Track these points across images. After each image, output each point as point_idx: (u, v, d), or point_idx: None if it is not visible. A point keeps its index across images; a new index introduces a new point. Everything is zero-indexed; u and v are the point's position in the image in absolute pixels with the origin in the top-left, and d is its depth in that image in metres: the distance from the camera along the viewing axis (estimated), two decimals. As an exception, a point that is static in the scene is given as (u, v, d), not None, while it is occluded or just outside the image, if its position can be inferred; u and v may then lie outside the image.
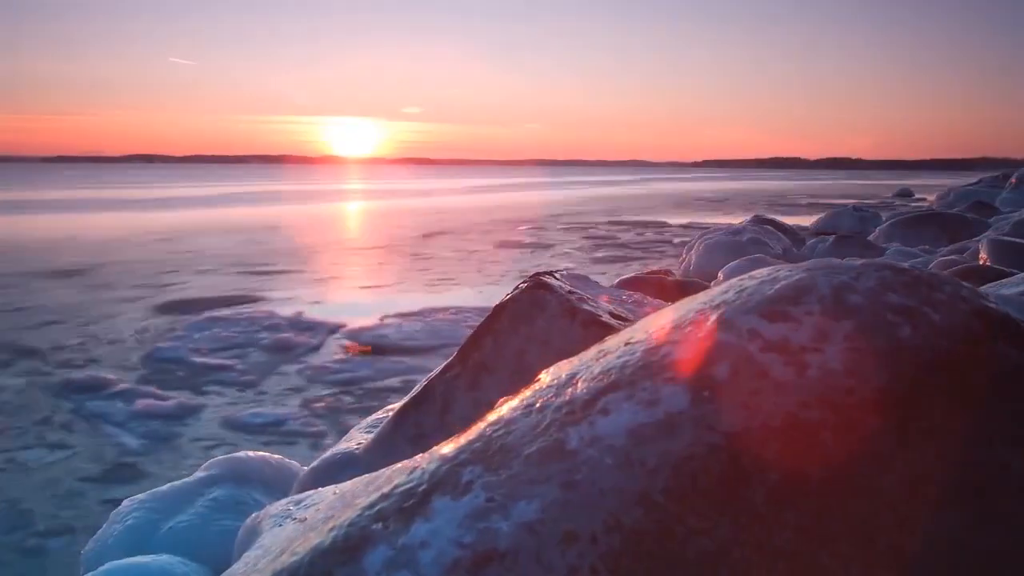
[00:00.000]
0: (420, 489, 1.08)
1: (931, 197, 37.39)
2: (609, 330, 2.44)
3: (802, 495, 1.01)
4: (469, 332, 2.85)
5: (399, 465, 1.90)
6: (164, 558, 3.74)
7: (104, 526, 4.36)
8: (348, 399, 7.07)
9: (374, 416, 3.17)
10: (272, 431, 6.24)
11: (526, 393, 1.28)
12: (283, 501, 2.04)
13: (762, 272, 1.38)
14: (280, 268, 15.13)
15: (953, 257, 10.57)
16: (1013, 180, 27.14)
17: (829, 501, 1.01)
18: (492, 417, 1.29)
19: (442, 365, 3.26)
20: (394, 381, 7.41)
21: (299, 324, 9.65)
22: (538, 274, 2.77)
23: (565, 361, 1.40)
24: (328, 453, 2.85)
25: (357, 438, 2.88)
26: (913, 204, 35.47)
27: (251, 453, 4.76)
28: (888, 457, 1.01)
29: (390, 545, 1.01)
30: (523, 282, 2.69)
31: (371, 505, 1.10)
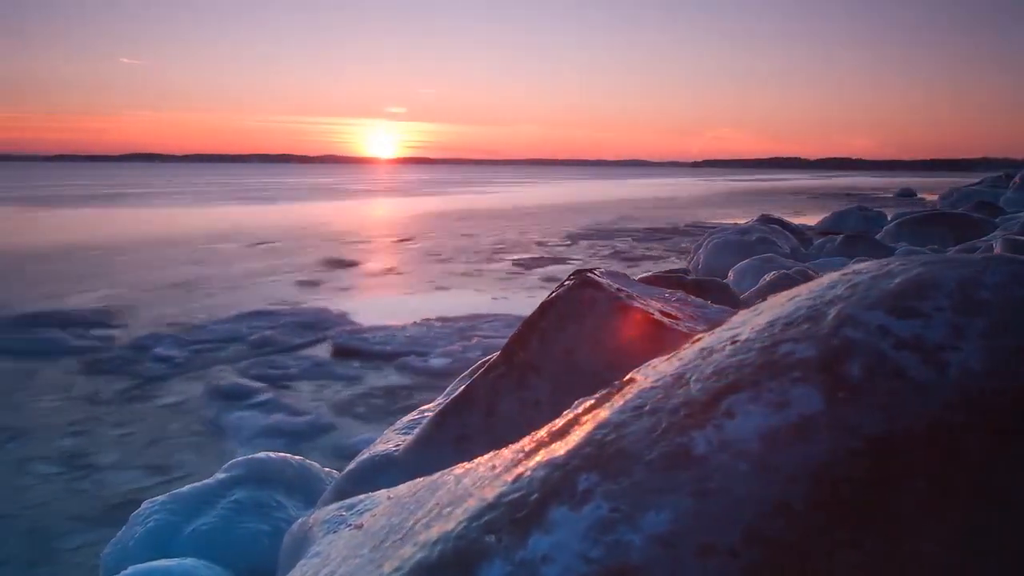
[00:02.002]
0: (532, 498, 1.00)
1: (933, 197, 37.39)
2: (664, 329, 2.37)
3: (951, 506, 0.94)
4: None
5: (458, 470, 1.82)
6: (188, 562, 3.65)
7: (123, 528, 4.27)
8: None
9: (409, 417, 3.09)
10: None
11: (627, 394, 1.20)
12: (333, 506, 1.96)
13: (867, 266, 1.30)
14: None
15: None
16: (1017, 180, 27.12)
17: (979, 513, 0.93)
18: (585, 419, 1.21)
19: (482, 364, 3.19)
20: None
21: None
22: (580, 271, 2.70)
23: (658, 360, 1.32)
24: (365, 455, 2.77)
25: (394, 439, 2.80)
26: (916, 204, 35.48)
27: (272, 454, 4.67)
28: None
29: (507, 560, 0.93)
30: (568, 280, 2.62)
31: (476, 515, 1.02)
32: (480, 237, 21.20)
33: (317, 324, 9.44)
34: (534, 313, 2.59)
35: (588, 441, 1.07)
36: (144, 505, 4.29)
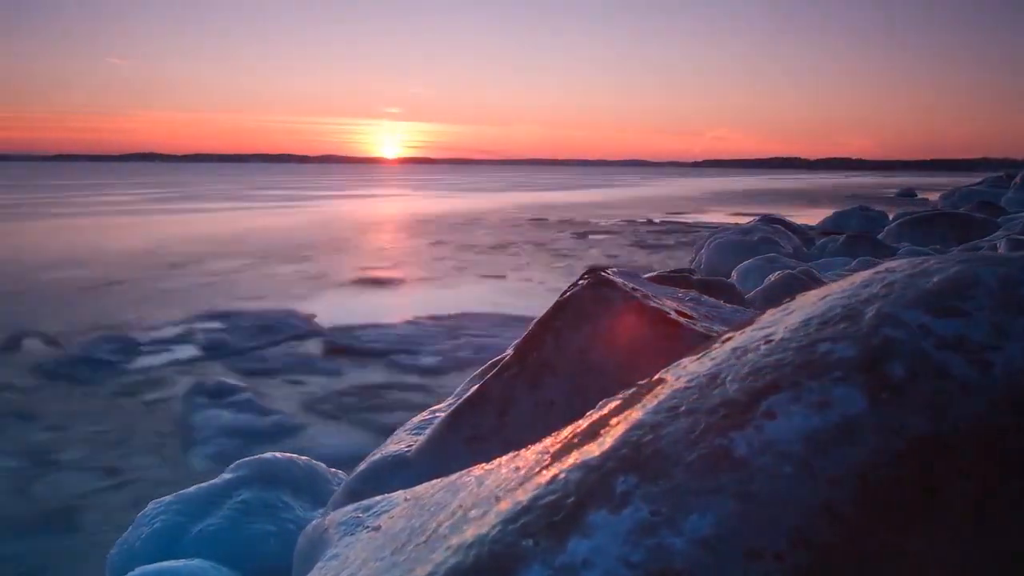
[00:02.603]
0: (568, 501, 0.98)
1: (934, 197, 37.39)
2: (681, 328, 2.34)
3: (999, 508, 0.91)
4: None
5: (477, 471, 1.80)
6: (196, 562, 3.63)
7: (129, 529, 4.24)
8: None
9: (420, 417, 3.06)
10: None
11: (659, 394, 1.18)
12: (349, 507, 1.94)
13: (900, 264, 1.28)
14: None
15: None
16: (1018, 180, 27.10)
17: (1028, 515, 0.91)
18: (616, 420, 1.18)
19: (493, 364, 3.16)
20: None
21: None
22: (594, 270, 2.67)
23: (687, 360, 1.30)
24: (377, 455, 2.75)
25: (406, 440, 2.78)
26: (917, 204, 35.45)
27: (278, 454, 4.64)
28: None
29: (546, 564, 0.90)
30: (581, 279, 2.59)
31: (511, 518, 1.00)
32: (483, 236, 21.21)
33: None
34: (548, 312, 2.57)
35: (623, 442, 1.05)
36: (150, 506, 4.26)
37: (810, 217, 24.10)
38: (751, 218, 19.23)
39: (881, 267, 1.30)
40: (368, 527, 1.75)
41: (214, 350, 8.38)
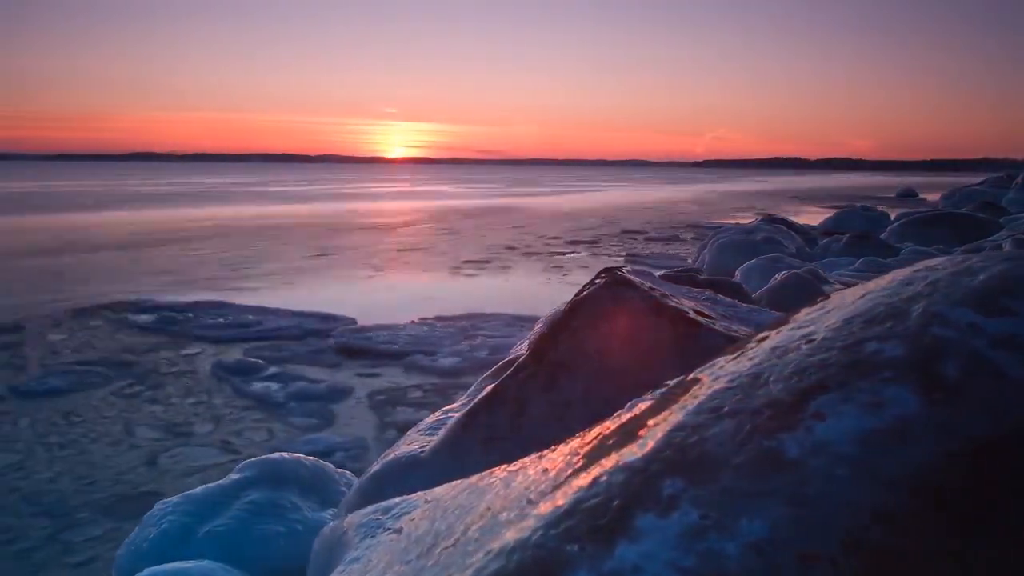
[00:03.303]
0: (613, 504, 0.95)
1: (934, 197, 37.36)
2: (700, 328, 2.32)
3: (1059, 512, 0.89)
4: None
5: (500, 473, 1.77)
6: (205, 563, 3.59)
7: (136, 530, 4.20)
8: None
9: (432, 417, 3.03)
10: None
11: (698, 394, 1.15)
12: (368, 509, 1.91)
13: (940, 262, 1.25)
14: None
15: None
16: (1019, 180, 27.08)
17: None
18: (653, 421, 1.16)
19: (506, 364, 3.14)
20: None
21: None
22: (610, 269, 2.64)
23: (723, 360, 1.27)
24: (390, 456, 2.71)
25: (419, 440, 2.75)
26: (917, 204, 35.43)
27: (285, 454, 4.60)
28: None
29: (593, 570, 0.88)
30: (597, 278, 2.56)
31: (553, 522, 0.97)
32: (485, 236, 21.19)
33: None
34: (563, 312, 2.54)
35: (666, 444, 1.02)
36: (157, 506, 4.23)
37: (811, 217, 24.08)
38: (754, 218, 19.21)
39: (920, 265, 1.27)
40: (389, 529, 1.72)
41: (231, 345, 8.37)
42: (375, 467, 2.70)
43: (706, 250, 15.79)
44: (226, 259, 16.30)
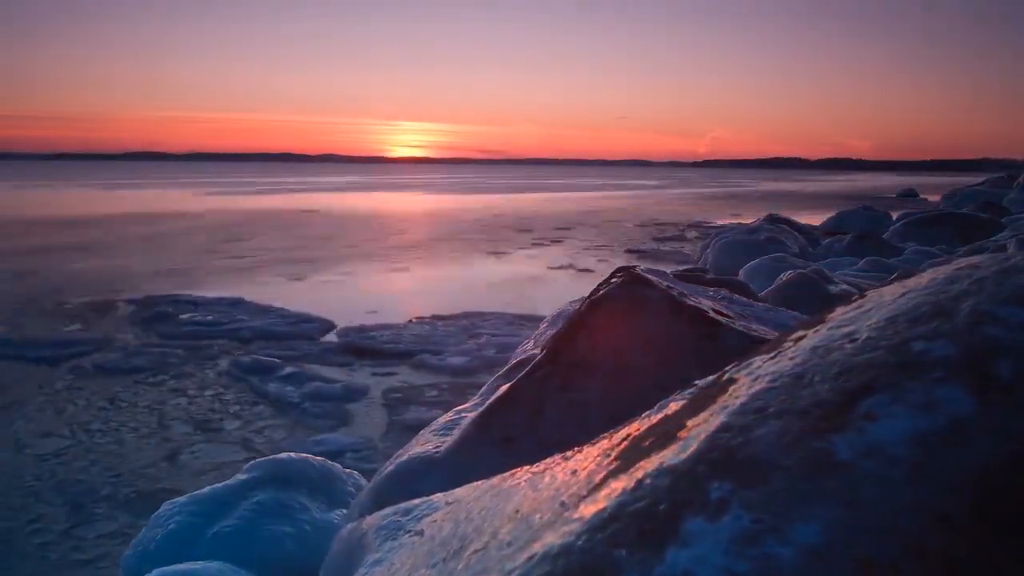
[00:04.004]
0: (660, 508, 0.92)
1: (935, 197, 37.35)
2: (721, 327, 2.29)
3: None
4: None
5: (523, 474, 1.74)
6: (214, 565, 3.57)
7: (143, 530, 4.17)
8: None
9: (445, 418, 3.01)
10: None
11: (737, 394, 1.12)
12: (387, 511, 1.88)
13: (983, 259, 1.23)
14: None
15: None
16: (1021, 180, 27.06)
17: None
18: (693, 421, 1.13)
19: (519, 363, 3.11)
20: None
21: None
22: (626, 268, 2.61)
23: (759, 359, 1.25)
24: (404, 456, 2.69)
25: (433, 441, 2.72)
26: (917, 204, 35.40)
27: (293, 454, 4.58)
28: None
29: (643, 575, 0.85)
30: (615, 277, 2.53)
31: (597, 526, 0.95)
32: (477, 230, 21.18)
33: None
34: (581, 311, 2.51)
35: (711, 446, 0.99)
36: (164, 507, 4.20)
37: (812, 217, 24.07)
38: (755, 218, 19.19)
39: (962, 263, 1.25)
40: (410, 531, 1.70)
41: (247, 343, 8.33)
42: (389, 467, 2.68)
43: (709, 250, 15.76)
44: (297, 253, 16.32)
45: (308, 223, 24.88)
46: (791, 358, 1.15)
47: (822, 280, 7.82)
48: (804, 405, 1.00)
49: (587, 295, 2.69)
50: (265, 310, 9.91)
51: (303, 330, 8.96)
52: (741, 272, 11.65)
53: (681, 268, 10.20)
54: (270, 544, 3.84)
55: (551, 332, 5.83)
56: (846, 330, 1.17)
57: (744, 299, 2.90)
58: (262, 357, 7.74)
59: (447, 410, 3.16)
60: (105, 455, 5.75)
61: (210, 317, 9.61)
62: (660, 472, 0.99)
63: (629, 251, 18.23)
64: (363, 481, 4.44)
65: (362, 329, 8.92)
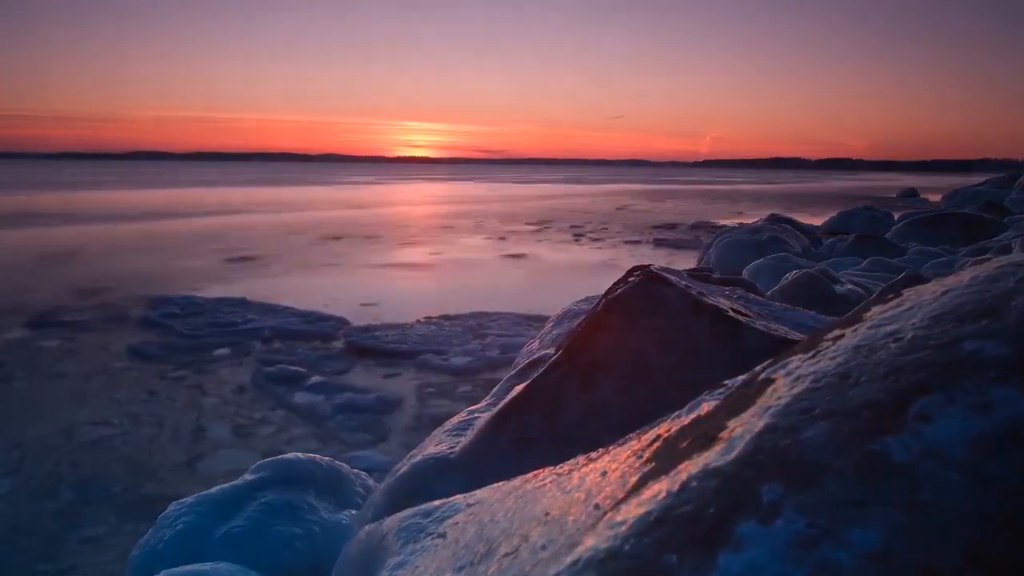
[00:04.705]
0: (709, 511, 0.90)
1: (936, 198, 37.34)
2: (741, 327, 2.27)
3: None
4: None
5: (547, 475, 1.72)
6: (223, 566, 3.54)
7: (150, 531, 4.14)
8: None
9: (458, 418, 2.98)
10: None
11: (779, 394, 1.10)
12: (407, 512, 1.86)
13: (1014, 258, 1.20)
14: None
15: (988, 257, 10.41)
16: (1022, 180, 27.08)
17: None
18: (733, 422, 1.11)
19: (532, 363, 3.09)
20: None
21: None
22: (642, 267, 2.59)
23: (797, 359, 1.22)
24: (418, 457, 2.66)
25: (446, 441, 2.69)
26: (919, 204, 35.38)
27: (300, 454, 4.55)
28: None
29: (696, 581, 0.83)
30: (632, 276, 2.50)
31: (643, 530, 0.92)
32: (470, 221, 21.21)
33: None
34: (598, 310, 2.48)
35: (757, 448, 0.97)
36: (171, 507, 4.17)
37: (814, 217, 24.05)
38: (759, 218, 19.17)
39: (1003, 261, 1.22)
40: (432, 534, 1.67)
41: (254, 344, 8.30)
42: (403, 468, 2.65)
43: (711, 249, 15.73)
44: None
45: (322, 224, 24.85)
46: (832, 358, 1.13)
47: (828, 280, 7.80)
48: (853, 406, 0.98)
49: (602, 294, 2.67)
50: (285, 309, 9.90)
51: (320, 328, 8.95)
52: (744, 272, 11.62)
53: (686, 268, 10.18)
54: (280, 545, 3.81)
55: (557, 332, 5.80)
56: (888, 329, 1.14)
57: (760, 298, 2.88)
58: (276, 357, 7.74)
59: (457, 410, 3.13)
60: (121, 452, 5.74)
61: (223, 316, 9.61)
62: (706, 474, 0.97)
63: (630, 251, 18.22)
64: (371, 482, 4.41)
65: (368, 329, 8.91)
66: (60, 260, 15.75)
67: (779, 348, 2.10)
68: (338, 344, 8.49)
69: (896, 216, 20.41)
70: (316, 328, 9.00)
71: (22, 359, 7.97)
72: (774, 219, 17.50)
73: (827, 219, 22.06)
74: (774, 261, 11.68)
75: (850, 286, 7.94)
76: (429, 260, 16.56)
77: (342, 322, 9.37)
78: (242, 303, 10.42)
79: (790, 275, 8.09)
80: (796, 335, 2.28)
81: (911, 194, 46.91)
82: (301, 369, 7.41)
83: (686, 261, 15.95)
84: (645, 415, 2.02)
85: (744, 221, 20.82)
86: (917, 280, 6.41)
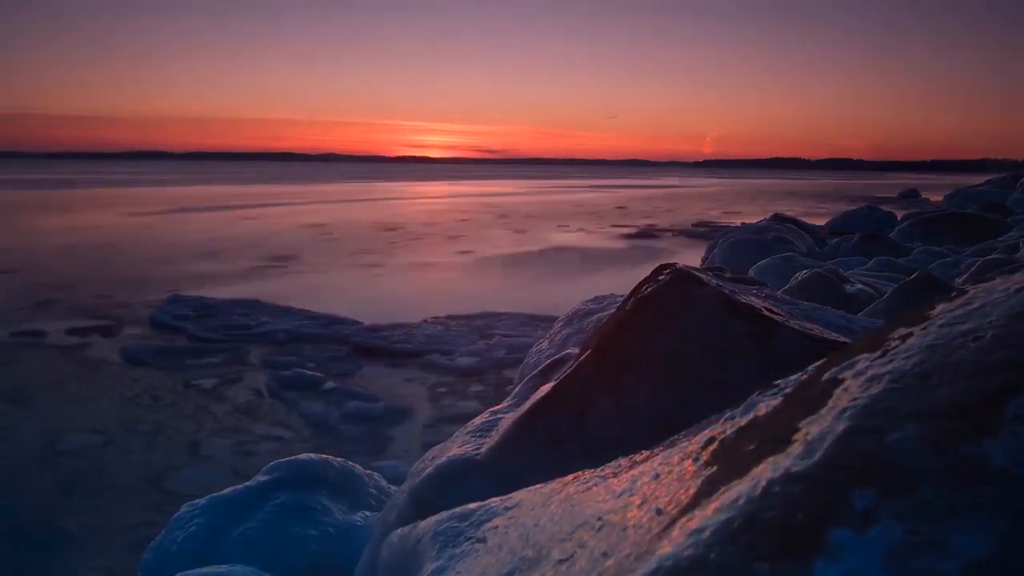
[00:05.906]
0: (798, 518, 0.86)
1: (937, 198, 37.30)
2: (776, 327, 2.22)
3: None
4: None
5: (589, 477, 1.68)
6: (238, 568, 3.49)
7: (163, 532, 4.10)
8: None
9: (481, 418, 2.94)
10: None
11: (852, 395, 1.06)
12: (443, 516, 1.81)
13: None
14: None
15: (998, 256, 10.36)
16: (1024, 180, 27.00)
17: None
18: (805, 423, 1.07)
19: (554, 362, 3.05)
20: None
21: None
22: (670, 265, 2.54)
23: (864, 358, 1.18)
24: (442, 458, 2.61)
25: (470, 442, 2.65)
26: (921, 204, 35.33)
27: (313, 455, 4.50)
28: None
29: (791, 591, 0.79)
30: (662, 275, 2.46)
31: (726, 537, 0.88)
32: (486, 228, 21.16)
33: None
34: (628, 310, 2.44)
35: (841, 451, 0.93)
36: (184, 508, 4.12)
37: (814, 217, 24.04)
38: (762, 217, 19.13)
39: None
40: (471, 538, 1.63)
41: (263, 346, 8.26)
42: (427, 469, 2.60)
43: (716, 249, 15.69)
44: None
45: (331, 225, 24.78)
46: (907, 357, 1.09)
47: (838, 280, 7.76)
48: (940, 407, 0.93)
49: (629, 293, 2.62)
50: (300, 312, 9.86)
51: (332, 332, 8.91)
52: (751, 271, 11.59)
53: (699, 268, 10.17)
54: (295, 546, 3.77)
55: (567, 332, 5.75)
56: (963, 327, 1.10)
57: (787, 297, 2.84)
58: (285, 358, 7.70)
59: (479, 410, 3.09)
60: (134, 452, 5.70)
61: (237, 318, 9.57)
62: (786, 479, 0.92)
63: (633, 251, 18.17)
64: (384, 483, 4.37)
65: (375, 329, 8.88)
66: (68, 256, 15.71)
67: (816, 347, 2.06)
68: (350, 345, 8.45)
69: (899, 216, 20.38)
70: (328, 331, 8.96)
71: (43, 360, 7.92)
72: (778, 219, 17.46)
73: (830, 219, 22.03)
74: (780, 261, 11.65)
75: (860, 286, 7.90)
76: (434, 261, 16.52)
77: (354, 324, 9.33)
78: (255, 305, 10.38)
79: (800, 274, 8.06)
80: (831, 334, 2.24)
81: (912, 194, 46.88)
82: (316, 374, 7.37)
83: (689, 261, 15.93)
84: (676, 415, 1.97)
85: (747, 221, 20.80)
86: (931, 280, 6.36)
